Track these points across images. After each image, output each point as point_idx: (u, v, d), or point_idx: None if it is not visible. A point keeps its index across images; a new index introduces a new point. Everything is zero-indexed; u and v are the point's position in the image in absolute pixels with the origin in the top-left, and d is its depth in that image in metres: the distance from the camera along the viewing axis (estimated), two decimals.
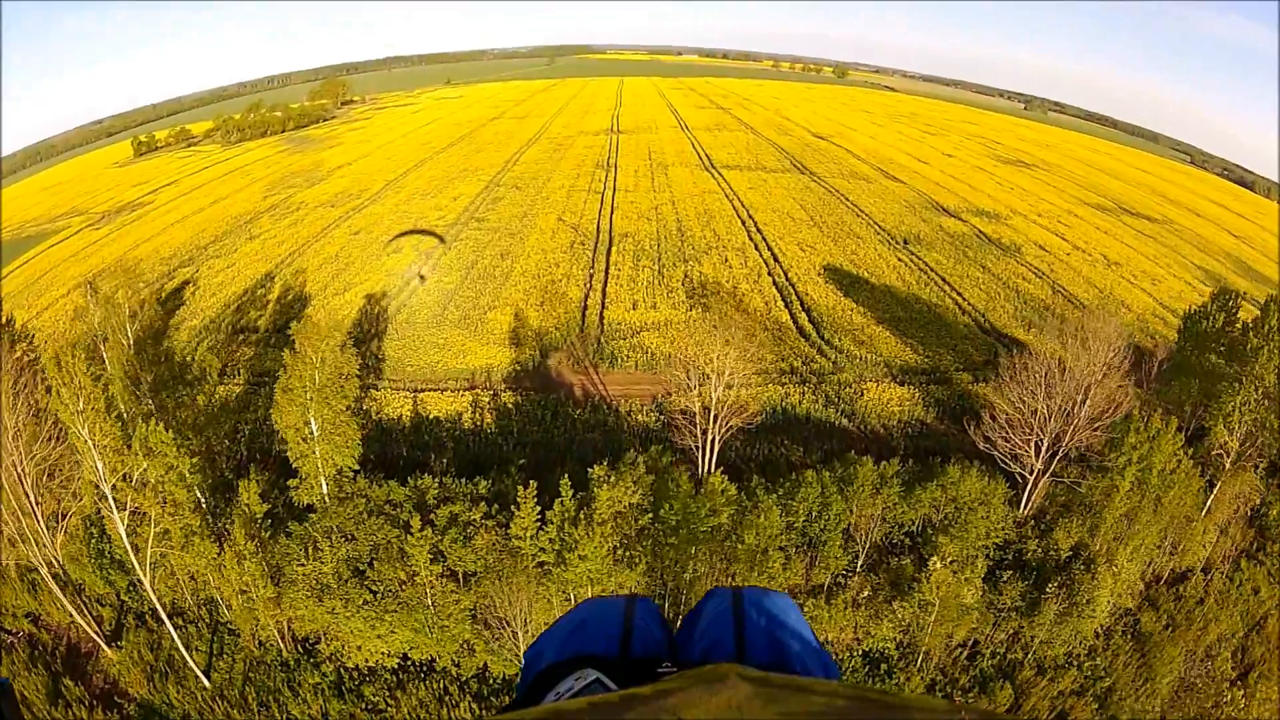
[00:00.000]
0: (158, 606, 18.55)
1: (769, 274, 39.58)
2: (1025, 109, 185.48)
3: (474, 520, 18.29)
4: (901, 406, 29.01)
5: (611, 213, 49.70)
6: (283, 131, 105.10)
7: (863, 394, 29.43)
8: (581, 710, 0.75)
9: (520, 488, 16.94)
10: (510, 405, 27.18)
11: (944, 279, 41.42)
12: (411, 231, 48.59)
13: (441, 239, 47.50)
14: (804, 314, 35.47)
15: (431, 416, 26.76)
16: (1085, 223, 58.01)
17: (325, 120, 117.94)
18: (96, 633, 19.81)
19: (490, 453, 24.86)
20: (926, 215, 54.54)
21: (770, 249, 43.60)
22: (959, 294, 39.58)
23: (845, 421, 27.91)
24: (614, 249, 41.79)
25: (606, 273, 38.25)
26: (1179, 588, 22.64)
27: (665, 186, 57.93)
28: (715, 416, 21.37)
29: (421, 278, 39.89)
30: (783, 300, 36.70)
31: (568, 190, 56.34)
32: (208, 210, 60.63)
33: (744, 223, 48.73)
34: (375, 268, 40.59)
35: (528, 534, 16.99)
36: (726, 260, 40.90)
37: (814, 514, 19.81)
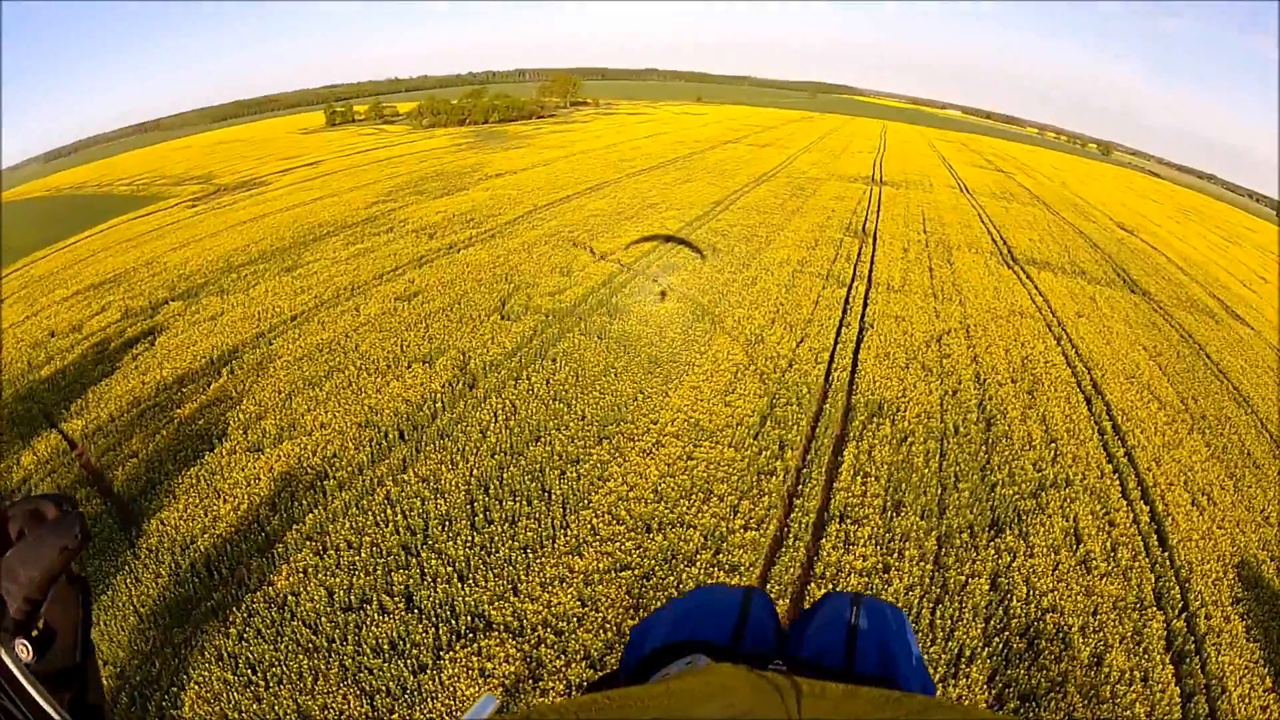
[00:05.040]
0: None
1: (1154, 589, 15.32)
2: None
3: None
4: None
5: (860, 335, 26.69)
6: (483, 122, 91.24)
7: None
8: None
9: None
10: None
11: None
12: (655, 238, 36.23)
13: (701, 253, 33.88)
14: None
15: None
16: None
17: (538, 117, 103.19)
18: None
19: None
20: None
21: (1145, 492, 19.11)
22: None
23: None
24: (851, 446, 19.01)
25: (819, 525, 15.73)
26: None
27: (951, 290, 33.79)
28: None
29: (663, 295, 28.63)
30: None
31: (793, 269, 33.65)
32: (302, 208, 45.71)
33: (1088, 401, 24.08)
34: (366, 393, 20.64)
35: None
36: (1071, 517, 17.15)
37: None
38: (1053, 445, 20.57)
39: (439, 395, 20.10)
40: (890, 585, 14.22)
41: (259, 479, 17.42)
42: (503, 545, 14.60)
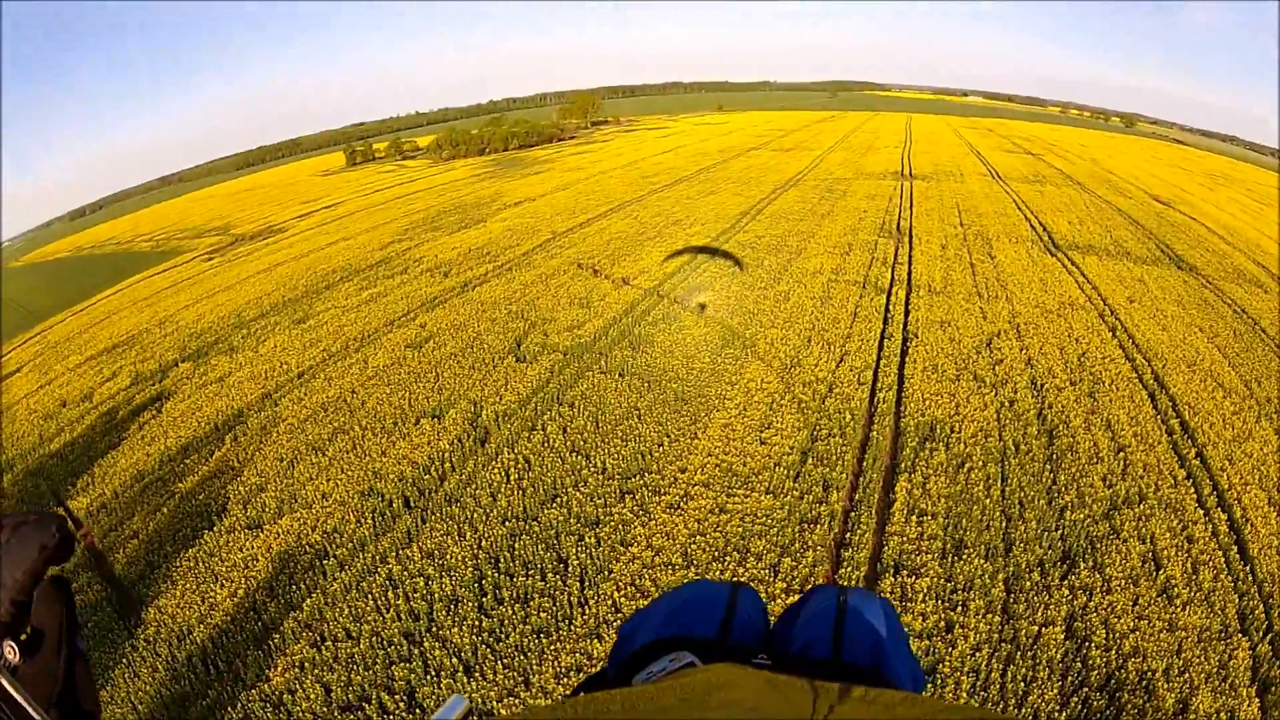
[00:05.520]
0: None
1: (1238, 610, 13.27)
2: None
3: None
4: None
5: (904, 347, 24.69)
6: (504, 150, 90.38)
7: None
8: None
9: None
10: None
11: None
12: (690, 250, 35.83)
13: (741, 264, 33.03)
14: None
15: None
16: None
17: (559, 140, 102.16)
18: None
19: None
20: None
21: (1220, 497, 16.84)
22: None
23: None
24: (903, 479, 16.90)
25: (872, 580, 13.77)
26: None
27: (996, 286, 31.48)
28: None
29: (702, 307, 27.82)
30: None
31: (828, 279, 31.57)
32: (317, 254, 44.94)
33: (1152, 397, 21.77)
34: (371, 457, 19.27)
35: None
36: (1148, 538, 14.98)
37: None
38: (1121, 455, 18.35)
39: (447, 455, 18.57)
40: (955, 648, 12.26)
41: (257, 560, 16.11)
42: (513, 630, 12.94)
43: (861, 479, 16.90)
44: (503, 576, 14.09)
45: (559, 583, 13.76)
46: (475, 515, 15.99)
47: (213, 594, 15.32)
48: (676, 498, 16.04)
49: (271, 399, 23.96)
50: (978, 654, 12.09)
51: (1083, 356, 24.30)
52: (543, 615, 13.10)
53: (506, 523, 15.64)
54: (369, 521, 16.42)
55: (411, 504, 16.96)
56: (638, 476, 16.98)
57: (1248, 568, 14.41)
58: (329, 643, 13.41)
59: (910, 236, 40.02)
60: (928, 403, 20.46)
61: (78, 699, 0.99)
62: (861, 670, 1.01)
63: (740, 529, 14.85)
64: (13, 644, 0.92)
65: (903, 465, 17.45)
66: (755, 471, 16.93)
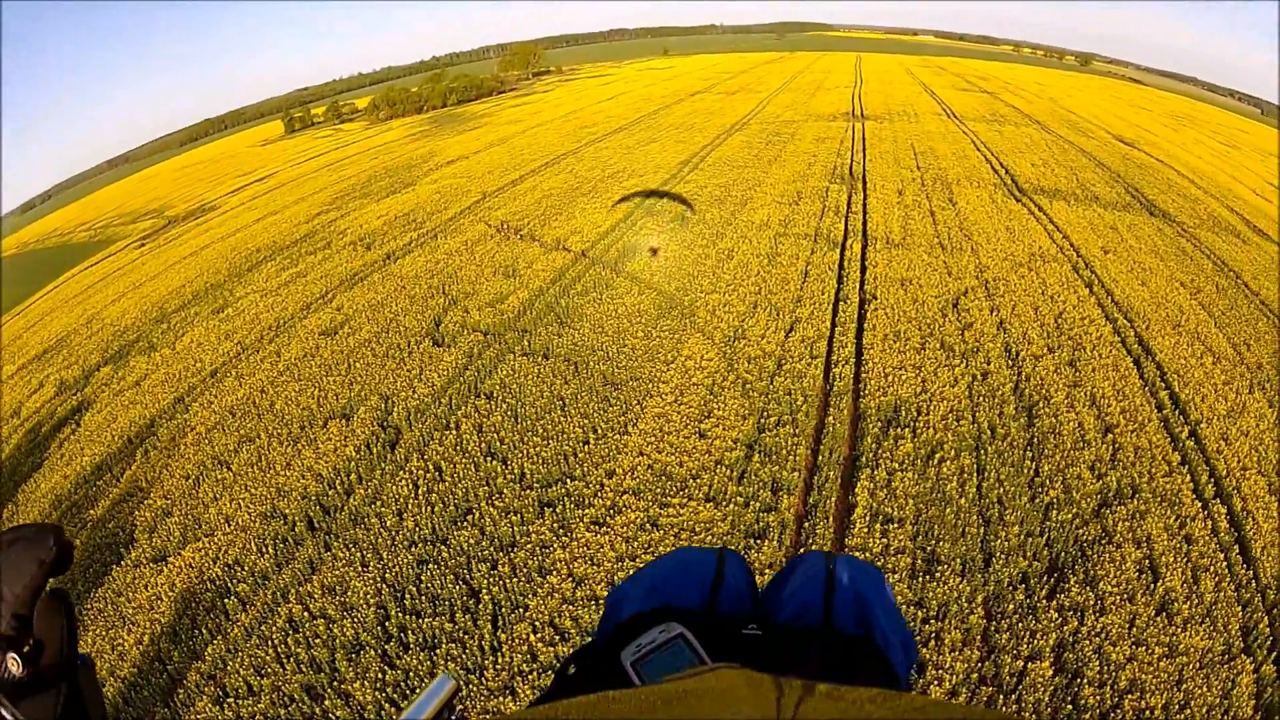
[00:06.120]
0: None
1: (1241, 625, 11.86)
2: (1262, 114, 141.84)
3: None
4: None
5: (862, 311, 22.91)
6: (442, 106, 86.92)
7: None
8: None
9: None
10: None
11: None
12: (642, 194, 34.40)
13: (690, 206, 31.81)
14: None
15: None
16: None
17: (499, 93, 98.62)
18: None
19: None
20: None
21: (1218, 485, 15.30)
22: None
23: None
24: (864, 476, 15.15)
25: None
26: None
27: (960, 236, 29.71)
28: None
29: (655, 252, 27.12)
30: None
31: (775, 233, 29.64)
32: (243, 233, 42.71)
33: (1138, 364, 20.16)
34: (276, 470, 17.38)
35: None
36: (1144, 540, 13.45)
37: None
38: (1109, 437, 16.76)
39: (354, 463, 16.80)
40: (927, 695, 10.78)
41: (160, 599, 14.40)
42: (420, 685, 11.33)
43: (816, 477, 15.23)
44: (409, 617, 12.47)
45: (469, 623, 12.16)
46: (380, 540, 14.30)
47: (121, 641, 13.57)
48: (602, 511, 14.36)
49: (184, 403, 22.04)
50: (954, 701, 10.59)
51: (1059, 317, 22.62)
52: (451, 665, 11.49)
53: (414, 547, 13.96)
54: (270, 550, 14.73)
55: (315, 525, 15.23)
56: (559, 484, 15.27)
57: (1250, 572, 12.98)
58: (230, 700, 11.84)
59: (864, 182, 38.13)
60: (890, 379, 18.76)
61: (85, 708, 0.97)
62: (852, 637, 0.98)
63: (674, 547, 13.20)
64: (16, 657, 0.92)
65: (864, 458, 15.78)
66: (693, 473, 15.25)
